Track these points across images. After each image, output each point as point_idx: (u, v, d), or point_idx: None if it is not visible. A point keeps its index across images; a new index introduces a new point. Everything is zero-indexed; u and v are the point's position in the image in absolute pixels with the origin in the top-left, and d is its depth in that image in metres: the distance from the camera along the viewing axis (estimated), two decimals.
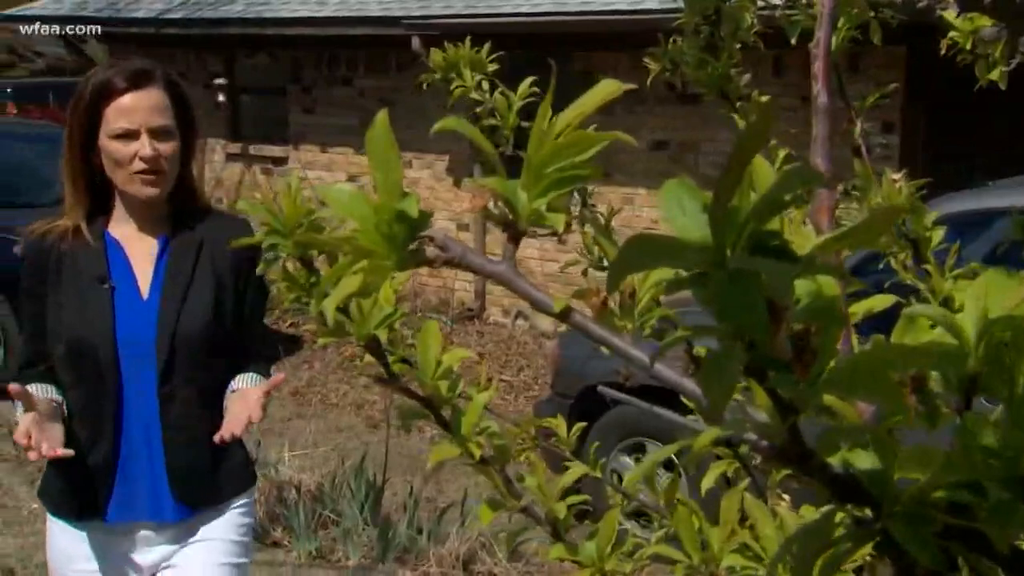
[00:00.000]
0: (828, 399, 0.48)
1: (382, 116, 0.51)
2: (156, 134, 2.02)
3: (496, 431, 0.80)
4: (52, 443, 1.90)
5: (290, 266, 0.81)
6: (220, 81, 10.28)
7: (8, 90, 15.19)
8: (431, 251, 0.51)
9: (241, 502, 2.24)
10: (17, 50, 18.38)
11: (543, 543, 3.92)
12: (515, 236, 0.53)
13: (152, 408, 2.09)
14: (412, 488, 4.86)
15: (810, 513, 0.90)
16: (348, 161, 9.53)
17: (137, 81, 2.03)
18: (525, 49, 7.07)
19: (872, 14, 1.34)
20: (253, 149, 10.15)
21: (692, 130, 7.52)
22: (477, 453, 0.77)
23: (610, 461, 4.79)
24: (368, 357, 0.86)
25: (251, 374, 2.16)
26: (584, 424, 1.38)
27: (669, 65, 1.96)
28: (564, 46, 7.90)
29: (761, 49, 1.83)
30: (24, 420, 1.90)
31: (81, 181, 2.09)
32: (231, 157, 10.36)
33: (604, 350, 0.54)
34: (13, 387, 1.90)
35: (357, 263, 0.50)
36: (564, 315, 0.51)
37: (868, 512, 0.49)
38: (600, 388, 0.60)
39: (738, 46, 1.74)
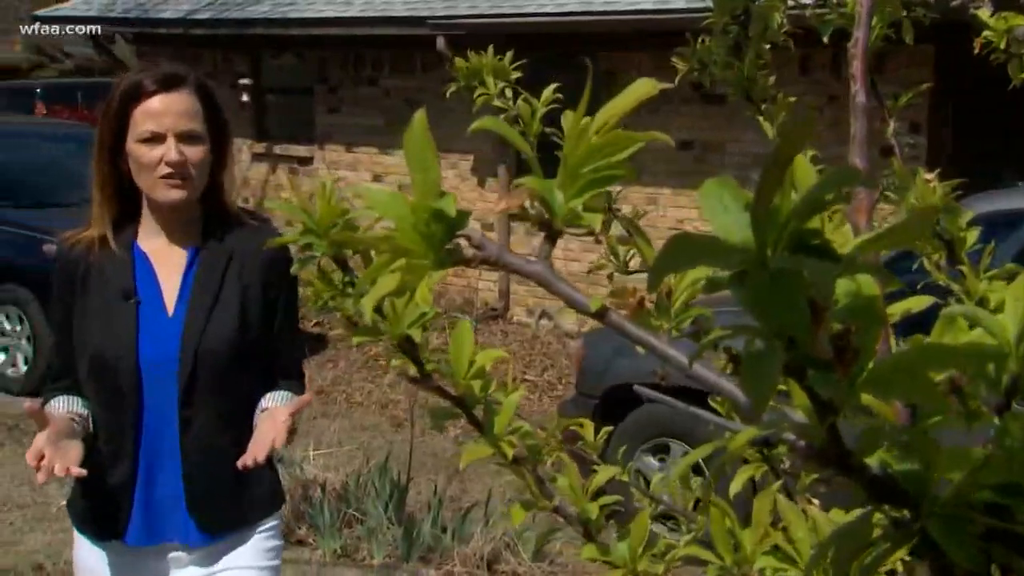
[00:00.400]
0: (866, 399, 0.48)
1: (420, 116, 0.51)
2: (183, 138, 1.97)
3: (528, 431, 0.80)
4: (67, 462, 1.83)
5: (324, 265, 0.81)
6: (246, 81, 10.35)
7: (37, 90, 15.35)
8: (468, 250, 0.52)
9: (268, 525, 2.16)
10: (46, 51, 18.55)
11: (567, 543, 3.92)
12: (551, 236, 0.53)
13: (173, 430, 2.02)
14: (436, 487, 4.87)
15: (841, 516, 0.90)
16: (373, 161, 9.56)
17: (167, 84, 1.99)
18: (550, 49, 7.07)
19: (904, 13, 1.33)
20: (279, 149, 10.20)
21: (717, 130, 7.49)
22: (510, 453, 0.77)
23: (635, 462, 4.78)
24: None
25: (282, 392, 2.09)
26: (611, 428, 1.38)
27: (697, 65, 1.96)
28: (589, 45, 7.89)
29: (792, 49, 1.82)
30: (37, 439, 1.84)
31: (109, 187, 2.04)
32: (257, 157, 10.42)
33: (640, 349, 0.54)
34: (28, 405, 1.85)
35: (395, 262, 0.50)
36: (601, 315, 0.51)
37: (906, 513, 0.48)
38: (636, 388, 0.60)
39: (767, 46, 1.73)
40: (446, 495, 4.85)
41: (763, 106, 1.52)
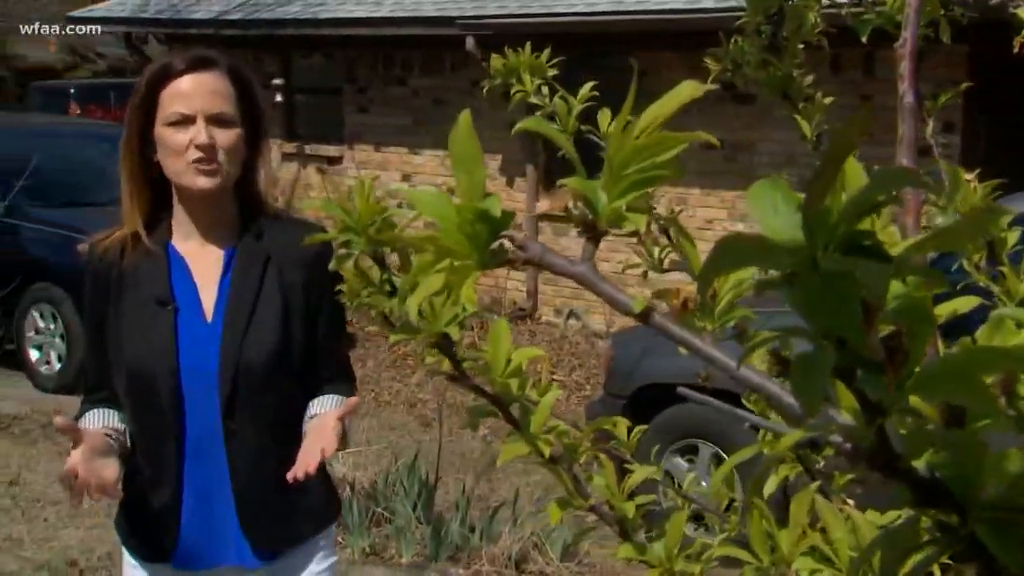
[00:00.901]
0: (913, 401, 0.48)
1: (465, 117, 0.51)
2: (214, 121, 1.83)
3: (565, 430, 0.81)
4: (102, 482, 1.70)
5: (360, 263, 0.82)
6: (277, 81, 10.41)
7: (71, 91, 15.52)
8: (511, 251, 0.52)
9: (324, 540, 2.03)
10: (79, 51, 18.75)
11: (595, 543, 3.90)
12: (595, 236, 0.53)
13: (218, 445, 1.89)
14: (464, 487, 4.88)
15: (876, 517, 0.89)
16: (402, 160, 9.59)
17: (196, 64, 1.85)
18: (579, 49, 7.06)
19: (942, 12, 1.32)
20: (308, 149, 10.26)
21: (747, 130, 7.45)
22: (547, 451, 0.77)
23: (663, 463, 4.77)
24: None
25: (331, 396, 1.95)
26: (644, 427, 1.38)
27: (730, 65, 1.95)
28: (618, 45, 7.88)
29: (825, 48, 1.81)
30: (71, 458, 1.71)
31: (139, 180, 1.89)
32: (287, 156, 10.49)
33: (681, 350, 0.54)
34: (59, 421, 1.73)
35: (439, 262, 0.51)
36: (644, 316, 0.51)
37: (954, 517, 0.48)
38: (680, 390, 0.60)
39: (800, 46, 1.72)
40: (474, 494, 4.86)
41: (801, 105, 1.51)
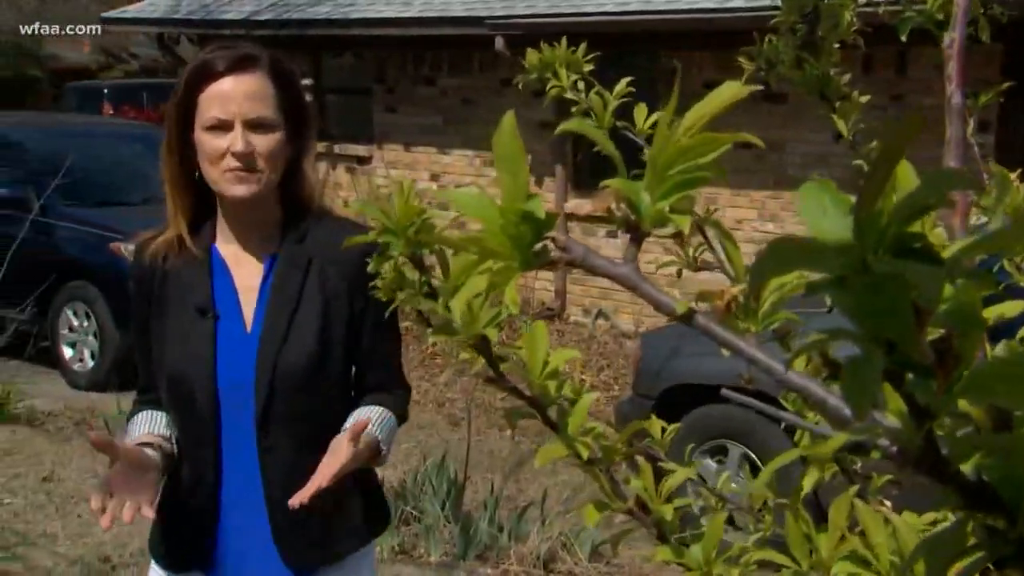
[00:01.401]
0: (961, 404, 0.47)
1: (509, 118, 0.51)
2: (253, 126, 1.75)
3: (602, 432, 0.81)
4: (137, 502, 1.64)
5: (399, 264, 0.82)
6: (307, 81, 10.46)
7: (104, 91, 15.69)
8: (554, 252, 0.52)
9: (363, 559, 1.96)
10: (112, 52, 18.95)
11: (624, 544, 3.90)
12: (638, 238, 0.53)
13: (253, 459, 1.83)
14: (493, 486, 4.88)
15: (913, 520, 0.89)
16: (431, 160, 9.62)
17: (236, 64, 1.76)
18: (609, 48, 7.04)
19: (982, 11, 1.31)
20: (338, 148, 10.31)
21: (778, 129, 7.41)
22: (585, 453, 0.77)
23: (693, 463, 4.75)
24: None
25: (370, 408, 1.87)
26: (677, 425, 1.37)
27: (764, 64, 1.94)
28: (648, 45, 7.86)
29: (860, 47, 1.80)
30: (108, 477, 1.66)
31: (180, 182, 1.83)
32: (316, 156, 10.53)
33: (725, 352, 0.54)
34: (94, 436, 1.66)
35: (482, 263, 0.51)
36: (687, 318, 0.51)
37: (1001, 521, 0.47)
38: (724, 391, 0.60)
39: (836, 44, 1.71)
40: (502, 494, 4.86)
41: (837, 105, 1.50)
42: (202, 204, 1.87)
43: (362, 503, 1.94)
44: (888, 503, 1.26)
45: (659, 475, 0.94)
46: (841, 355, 0.45)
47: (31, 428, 6.11)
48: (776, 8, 1.97)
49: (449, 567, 4.42)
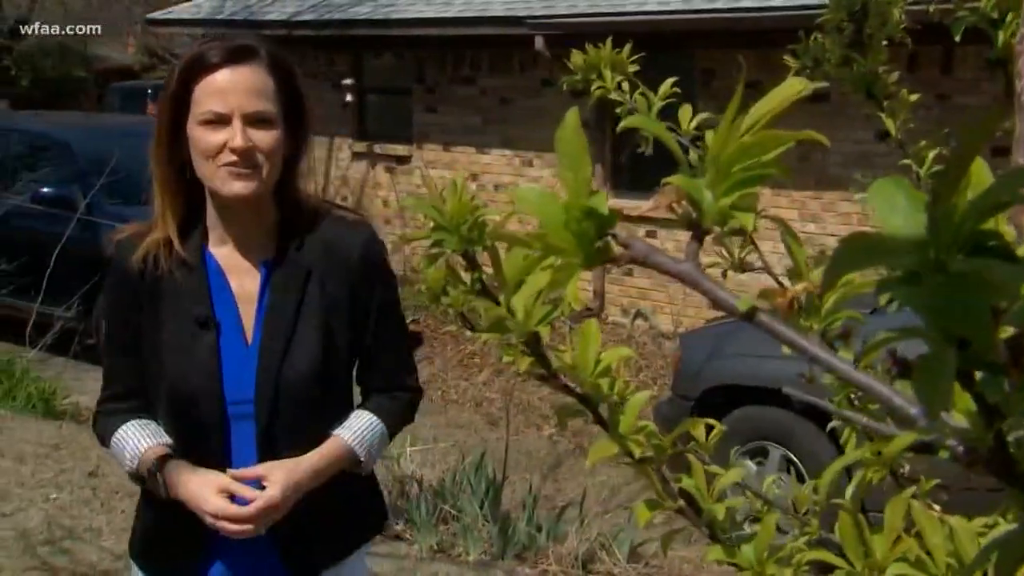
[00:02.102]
0: None
1: (572, 115, 0.52)
2: (252, 121, 1.65)
3: (653, 430, 0.80)
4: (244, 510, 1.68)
5: (451, 262, 0.83)
6: (347, 81, 10.54)
7: (148, 91, 15.89)
8: (616, 249, 0.52)
9: (357, 562, 1.93)
10: (156, 52, 19.18)
11: (656, 543, 3.85)
12: (699, 235, 0.53)
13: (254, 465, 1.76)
14: (531, 486, 4.89)
15: (963, 523, 0.87)
16: (470, 160, 9.64)
17: (234, 56, 1.65)
18: (649, 47, 7.02)
19: None
20: (378, 148, 10.37)
21: (820, 128, 7.24)
22: (637, 452, 0.77)
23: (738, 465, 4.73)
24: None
25: (361, 415, 1.83)
26: (722, 427, 1.37)
27: (810, 63, 1.92)
28: (688, 43, 7.83)
29: (907, 46, 1.78)
30: (219, 488, 1.69)
31: (171, 180, 1.73)
32: (357, 156, 10.61)
33: (786, 350, 0.54)
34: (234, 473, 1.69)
35: (545, 260, 0.51)
36: (750, 316, 0.51)
37: None
38: (785, 389, 0.59)
39: (884, 43, 1.70)
40: (541, 494, 4.87)
41: (885, 103, 1.48)
42: (193, 205, 1.77)
43: (361, 504, 1.92)
44: (937, 507, 1.24)
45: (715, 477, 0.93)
46: (904, 354, 0.45)
47: (77, 424, 6.20)
48: (818, 7, 1.96)
49: (487, 566, 4.42)
